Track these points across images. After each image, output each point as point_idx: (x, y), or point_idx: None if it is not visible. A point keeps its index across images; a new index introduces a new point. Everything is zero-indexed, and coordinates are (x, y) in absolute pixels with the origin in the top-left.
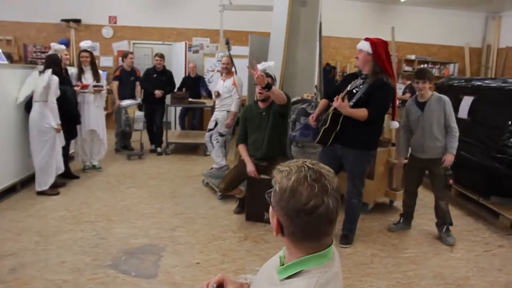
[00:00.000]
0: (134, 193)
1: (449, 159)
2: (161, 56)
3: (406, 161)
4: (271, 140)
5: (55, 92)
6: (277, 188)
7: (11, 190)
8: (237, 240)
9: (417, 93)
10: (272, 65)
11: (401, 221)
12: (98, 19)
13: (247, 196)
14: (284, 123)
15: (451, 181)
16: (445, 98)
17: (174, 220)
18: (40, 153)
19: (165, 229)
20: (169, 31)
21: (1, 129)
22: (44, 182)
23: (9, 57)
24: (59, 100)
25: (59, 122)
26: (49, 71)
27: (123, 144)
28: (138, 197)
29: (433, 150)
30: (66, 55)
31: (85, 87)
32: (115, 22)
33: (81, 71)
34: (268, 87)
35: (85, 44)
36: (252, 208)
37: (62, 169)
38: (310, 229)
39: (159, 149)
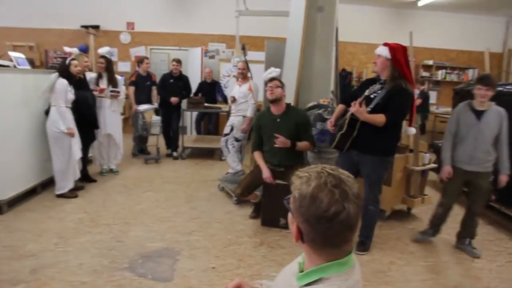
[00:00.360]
0: (150, 196)
1: (504, 180)
2: (178, 62)
3: (421, 167)
4: (287, 148)
5: (63, 96)
6: (296, 195)
7: (32, 192)
8: (252, 245)
9: (475, 100)
10: (279, 72)
11: (428, 231)
12: (116, 25)
13: (263, 201)
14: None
15: (493, 196)
16: (504, 112)
17: (190, 224)
18: (58, 158)
19: (181, 233)
20: (186, 37)
21: (23, 133)
22: (62, 186)
23: (31, 62)
24: (77, 104)
25: (71, 126)
26: (55, 74)
27: (140, 148)
28: (155, 201)
29: (482, 163)
30: (86, 61)
31: (102, 91)
32: (132, 28)
33: (99, 77)
34: (293, 145)
35: (103, 50)
36: (268, 213)
37: (77, 175)
38: (330, 235)
39: (175, 154)
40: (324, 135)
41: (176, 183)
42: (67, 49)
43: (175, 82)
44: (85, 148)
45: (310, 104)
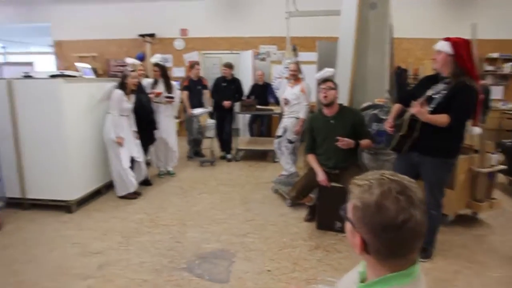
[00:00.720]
0: (206, 198)
1: None
2: (228, 66)
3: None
4: (343, 150)
5: (117, 105)
6: (358, 204)
7: (97, 193)
8: (308, 249)
9: None
10: (332, 72)
11: None
12: (170, 32)
13: (318, 204)
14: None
15: None
16: None
17: (245, 226)
18: (113, 163)
19: (236, 235)
20: (237, 40)
21: (88, 138)
22: (121, 190)
23: (95, 71)
24: (136, 108)
25: (121, 135)
26: (113, 84)
27: (194, 151)
28: (210, 202)
29: None
30: (141, 69)
31: (158, 94)
32: (186, 35)
33: (155, 83)
34: (357, 144)
35: (155, 58)
36: (323, 216)
37: (134, 185)
38: (397, 245)
39: (229, 156)
40: (381, 136)
41: (230, 185)
42: (129, 60)
43: (227, 86)
44: (145, 150)
45: (365, 105)
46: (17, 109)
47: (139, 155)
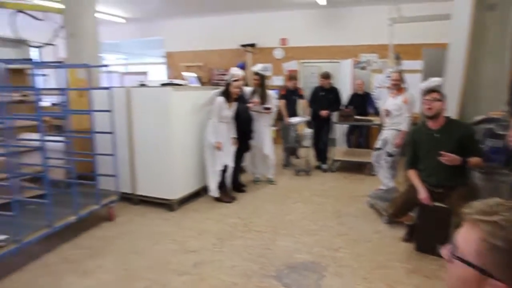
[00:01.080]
0: (299, 208)
1: None
2: (325, 77)
3: None
4: (448, 166)
5: (217, 112)
6: (501, 244)
7: (196, 194)
8: (404, 272)
9: None
10: (439, 81)
11: None
12: (270, 42)
13: (418, 224)
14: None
15: None
16: None
17: (337, 240)
18: (207, 165)
19: (327, 248)
20: (337, 49)
21: (191, 142)
22: (213, 190)
23: (199, 80)
24: (236, 116)
25: (220, 140)
26: (216, 91)
27: (290, 160)
28: (303, 212)
29: None
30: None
31: (257, 103)
32: (286, 44)
33: (253, 92)
34: (464, 161)
35: (256, 67)
36: (424, 238)
37: (214, 193)
38: None
39: (324, 166)
40: (496, 154)
41: (324, 196)
42: (233, 70)
43: (325, 95)
44: (239, 157)
45: (478, 118)
46: (133, 114)
47: (231, 162)
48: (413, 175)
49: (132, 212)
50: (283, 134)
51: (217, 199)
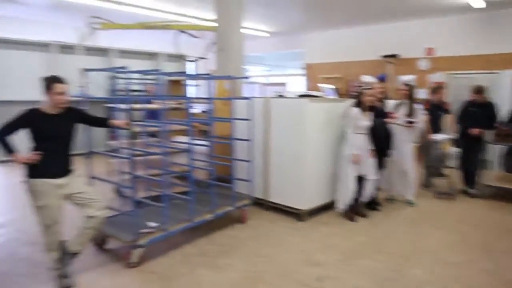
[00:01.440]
0: (438, 235)
1: None
2: (477, 92)
3: None
4: None
5: (352, 122)
6: None
7: (327, 207)
8: None
9: None
10: None
11: None
12: (414, 52)
13: None
14: None
15: None
16: None
17: (482, 278)
18: (340, 178)
19: (467, 286)
20: (495, 58)
21: (324, 154)
22: (340, 203)
23: (337, 91)
24: (373, 132)
25: (354, 152)
26: (350, 102)
27: (431, 180)
28: (443, 241)
29: None
30: (381, 88)
31: (394, 117)
32: (432, 54)
33: (400, 104)
34: None
35: (365, 78)
36: None
37: (342, 207)
38: None
39: (472, 191)
40: None
41: (470, 225)
42: (365, 78)
43: (477, 110)
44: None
45: None
46: (270, 123)
47: (371, 174)
48: None
49: (263, 217)
50: (425, 152)
51: (345, 215)
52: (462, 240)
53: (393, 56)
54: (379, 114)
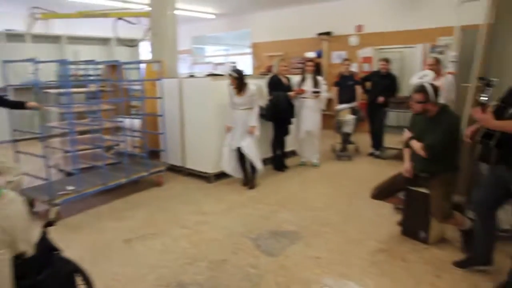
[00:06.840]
0: (319, 189)
1: None
2: (386, 60)
3: None
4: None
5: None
6: None
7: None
8: (372, 249)
9: None
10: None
11: None
12: (346, 29)
13: (404, 208)
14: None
15: None
16: None
17: (333, 218)
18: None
19: (318, 224)
20: (414, 34)
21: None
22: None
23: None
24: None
25: (228, 124)
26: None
27: (345, 145)
28: (320, 193)
29: None
30: (284, 66)
31: (300, 92)
32: (361, 31)
33: (303, 80)
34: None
35: (309, 54)
36: (408, 223)
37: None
38: None
39: (376, 153)
40: None
41: (352, 180)
42: (308, 54)
43: (381, 81)
44: (282, 142)
45: None
46: (183, 99)
47: (244, 146)
48: (406, 152)
49: (179, 181)
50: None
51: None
52: (335, 191)
53: (327, 33)
54: (283, 88)
